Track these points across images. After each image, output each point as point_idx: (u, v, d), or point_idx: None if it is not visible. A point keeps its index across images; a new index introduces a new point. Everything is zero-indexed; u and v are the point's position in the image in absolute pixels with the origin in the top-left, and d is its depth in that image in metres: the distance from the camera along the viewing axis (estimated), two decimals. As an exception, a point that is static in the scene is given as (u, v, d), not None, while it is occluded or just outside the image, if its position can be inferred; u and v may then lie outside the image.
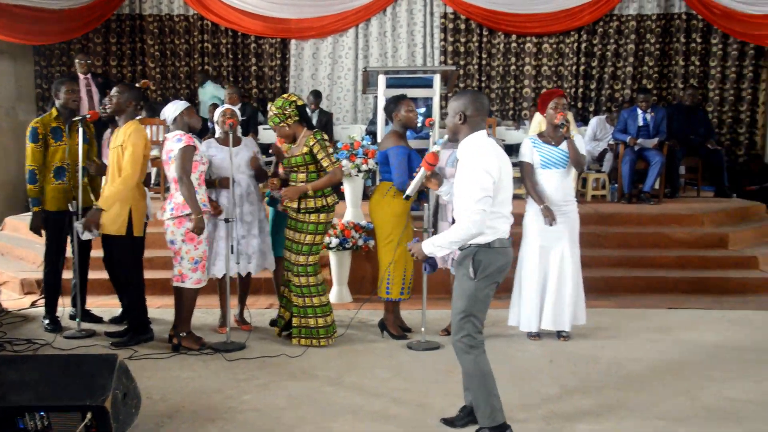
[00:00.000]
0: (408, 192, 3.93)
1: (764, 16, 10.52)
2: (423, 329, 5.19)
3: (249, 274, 5.46)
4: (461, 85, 11.63)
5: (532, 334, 5.33)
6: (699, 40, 11.58)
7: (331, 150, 5.02)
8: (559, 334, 5.35)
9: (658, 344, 5.25)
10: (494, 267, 3.48)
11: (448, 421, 3.82)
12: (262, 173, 5.46)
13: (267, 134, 9.43)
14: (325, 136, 5.05)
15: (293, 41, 11.75)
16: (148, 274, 5.52)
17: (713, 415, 3.99)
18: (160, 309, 6.01)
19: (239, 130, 5.49)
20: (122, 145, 4.96)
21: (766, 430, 3.79)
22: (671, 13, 11.55)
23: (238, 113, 5.46)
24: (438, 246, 3.49)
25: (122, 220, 5.01)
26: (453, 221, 5.01)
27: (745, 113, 11.70)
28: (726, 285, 6.78)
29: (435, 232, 5.07)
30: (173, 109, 5.00)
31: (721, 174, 9.47)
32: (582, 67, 11.65)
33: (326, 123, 9.93)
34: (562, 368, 4.75)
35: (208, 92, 10.74)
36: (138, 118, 5.31)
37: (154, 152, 6.13)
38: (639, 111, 8.69)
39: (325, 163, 4.96)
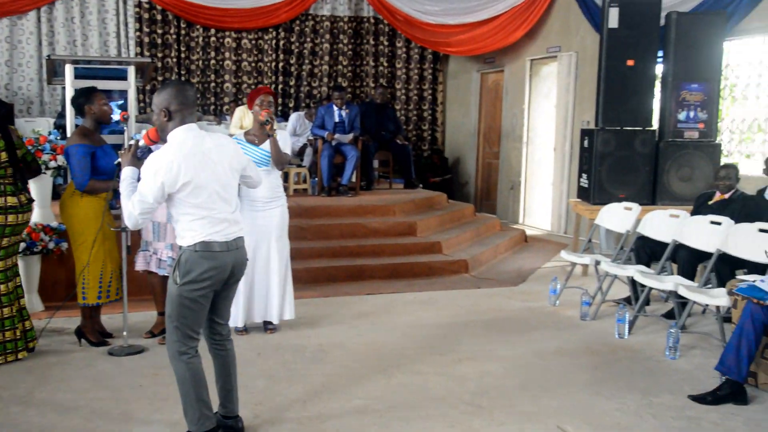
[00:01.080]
0: (119, 160, 3.62)
1: (438, 25, 11.65)
2: (125, 333, 4.94)
3: None
4: (159, 78, 11.24)
5: (239, 329, 5.34)
6: (386, 43, 12.50)
7: None
8: (266, 327, 5.44)
9: (358, 329, 5.57)
10: (197, 272, 3.30)
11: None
12: None
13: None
14: None
15: (-43, 21, 10.40)
16: None
17: (406, 389, 4.34)
18: None
19: None
20: None
21: (449, 396, 4.22)
22: (361, 17, 12.31)
23: None
24: (122, 184, 3.44)
25: None
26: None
27: (428, 111, 12.90)
28: (416, 269, 7.41)
29: (135, 232, 4.85)
30: None
31: (409, 167, 10.31)
32: (281, 64, 11.93)
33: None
34: (270, 360, 4.83)
35: None
36: None
37: None
38: (335, 108, 9.12)
39: None
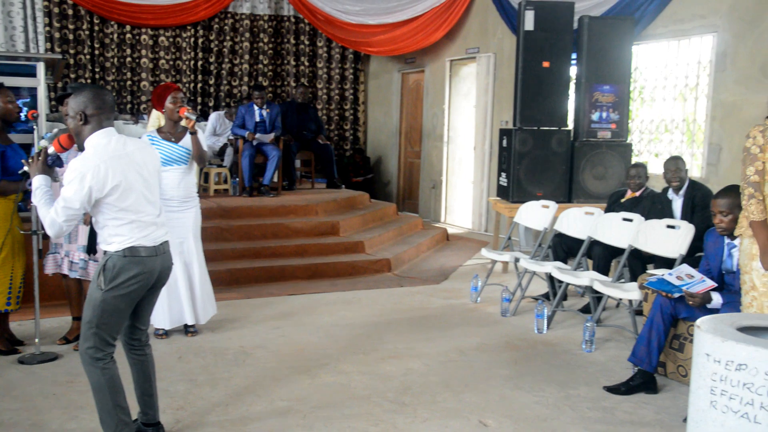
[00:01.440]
0: (25, 169, 3.51)
1: (359, 25, 11.68)
2: (37, 340, 4.75)
3: None
4: (72, 76, 10.86)
5: (159, 333, 5.22)
6: (307, 42, 12.45)
7: None
8: (187, 330, 5.33)
9: (281, 330, 5.53)
10: (125, 276, 3.23)
11: None
12: None
13: None
14: None
15: None
16: None
17: (330, 389, 4.34)
18: None
19: None
20: None
21: (373, 395, 4.24)
22: (281, 15, 12.22)
23: None
24: (36, 193, 3.30)
25: None
26: (92, 247, 4.70)
27: (349, 111, 12.91)
28: (339, 269, 7.41)
29: (46, 235, 4.69)
30: None
31: (331, 167, 10.30)
32: (200, 62, 11.71)
33: None
34: (191, 363, 4.74)
35: None
36: None
37: None
38: (255, 107, 9.02)
39: None
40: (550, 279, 6.10)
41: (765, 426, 2.35)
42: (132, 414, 3.43)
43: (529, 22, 7.44)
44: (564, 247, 6.22)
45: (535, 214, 6.57)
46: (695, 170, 7.36)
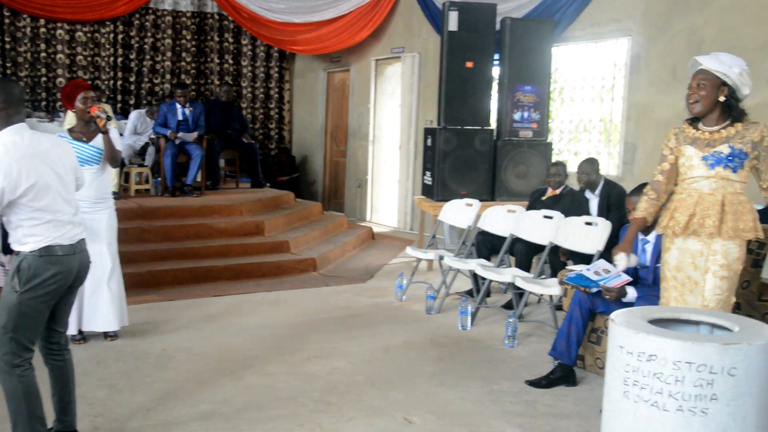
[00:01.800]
0: None
1: (284, 23, 11.59)
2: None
3: None
4: (-18, 71, 10.41)
5: (76, 338, 5.06)
6: (231, 40, 12.29)
7: None
8: (106, 335, 5.18)
9: (204, 332, 5.44)
10: (42, 277, 3.11)
11: None
12: None
13: None
14: None
15: None
16: None
17: (255, 390, 4.29)
18: None
19: None
20: None
21: (298, 395, 4.22)
22: (205, 12, 12.02)
23: None
24: None
25: None
26: (7, 248, 4.50)
27: (274, 110, 12.81)
28: (264, 269, 7.33)
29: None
30: None
31: (255, 166, 10.18)
32: (120, 59, 11.40)
33: None
34: (110, 368, 4.62)
35: None
36: None
37: None
38: (178, 105, 8.84)
39: None
40: (474, 276, 6.20)
41: (672, 413, 2.45)
42: (47, 421, 3.31)
43: (452, 22, 7.53)
44: (487, 245, 6.33)
45: (459, 213, 6.66)
46: (612, 169, 7.61)
